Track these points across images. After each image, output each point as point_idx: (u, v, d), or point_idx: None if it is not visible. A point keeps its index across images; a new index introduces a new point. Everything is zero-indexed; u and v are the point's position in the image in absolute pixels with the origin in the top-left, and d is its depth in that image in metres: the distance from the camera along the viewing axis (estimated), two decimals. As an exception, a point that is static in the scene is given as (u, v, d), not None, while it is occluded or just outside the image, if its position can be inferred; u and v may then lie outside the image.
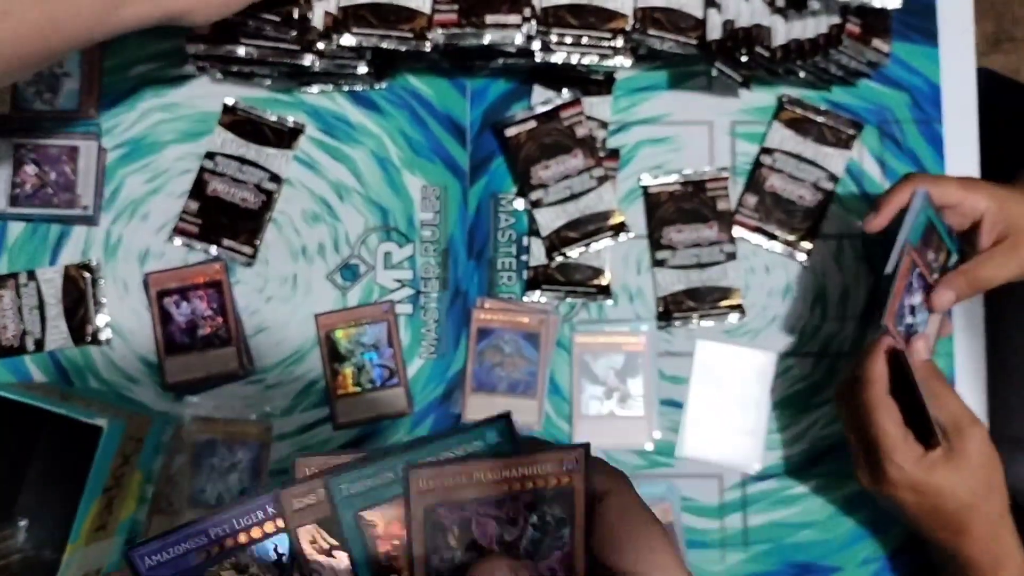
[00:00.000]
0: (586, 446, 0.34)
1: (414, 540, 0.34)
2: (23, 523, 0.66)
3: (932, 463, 0.59)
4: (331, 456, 0.34)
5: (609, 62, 0.67)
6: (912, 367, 0.59)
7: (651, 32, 0.66)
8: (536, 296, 0.71)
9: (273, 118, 0.72)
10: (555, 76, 0.72)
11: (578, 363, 0.71)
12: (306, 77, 0.71)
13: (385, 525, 0.34)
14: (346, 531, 0.34)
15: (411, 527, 0.34)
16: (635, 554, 0.33)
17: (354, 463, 0.34)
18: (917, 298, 0.63)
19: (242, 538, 0.33)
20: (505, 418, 0.34)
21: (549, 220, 0.71)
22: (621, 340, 0.71)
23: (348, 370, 0.70)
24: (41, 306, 0.70)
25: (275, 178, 0.71)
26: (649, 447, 0.70)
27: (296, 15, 0.63)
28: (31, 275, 0.70)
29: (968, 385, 0.71)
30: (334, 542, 0.34)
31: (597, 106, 0.72)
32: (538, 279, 0.71)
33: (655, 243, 0.71)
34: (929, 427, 0.58)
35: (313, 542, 0.34)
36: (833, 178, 0.72)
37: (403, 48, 0.65)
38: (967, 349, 0.72)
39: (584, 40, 0.66)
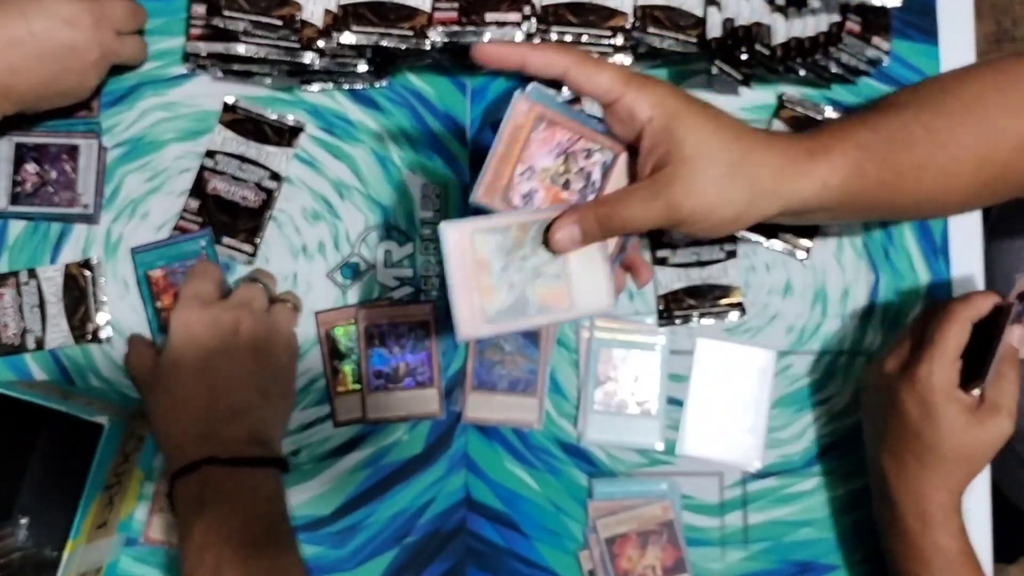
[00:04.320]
0: None
1: None
2: (23, 521, 0.66)
3: (953, 397, 0.58)
4: None
5: (609, 60, 0.67)
6: (1002, 344, 0.58)
7: (651, 30, 0.66)
8: (536, 294, 0.71)
9: (273, 116, 0.72)
10: (555, 74, 0.72)
11: (589, 357, 0.70)
12: (306, 75, 0.71)
13: None
14: None
15: None
16: None
17: None
18: (536, 187, 0.49)
19: None
20: None
21: (549, 218, 0.71)
22: (638, 338, 0.71)
23: (348, 368, 0.70)
24: (42, 304, 0.70)
25: (275, 176, 0.71)
26: (659, 447, 0.70)
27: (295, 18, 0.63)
28: (32, 273, 0.70)
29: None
30: None
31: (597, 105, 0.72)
32: (538, 277, 0.71)
33: (655, 241, 0.71)
34: (976, 377, 0.59)
35: None
36: (833, 176, 0.72)
37: (403, 46, 0.65)
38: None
39: (584, 38, 0.66)
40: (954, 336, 0.58)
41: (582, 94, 0.49)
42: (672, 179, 0.47)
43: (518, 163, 0.48)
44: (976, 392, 0.59)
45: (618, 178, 0.50)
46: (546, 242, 0.48)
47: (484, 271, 0.47)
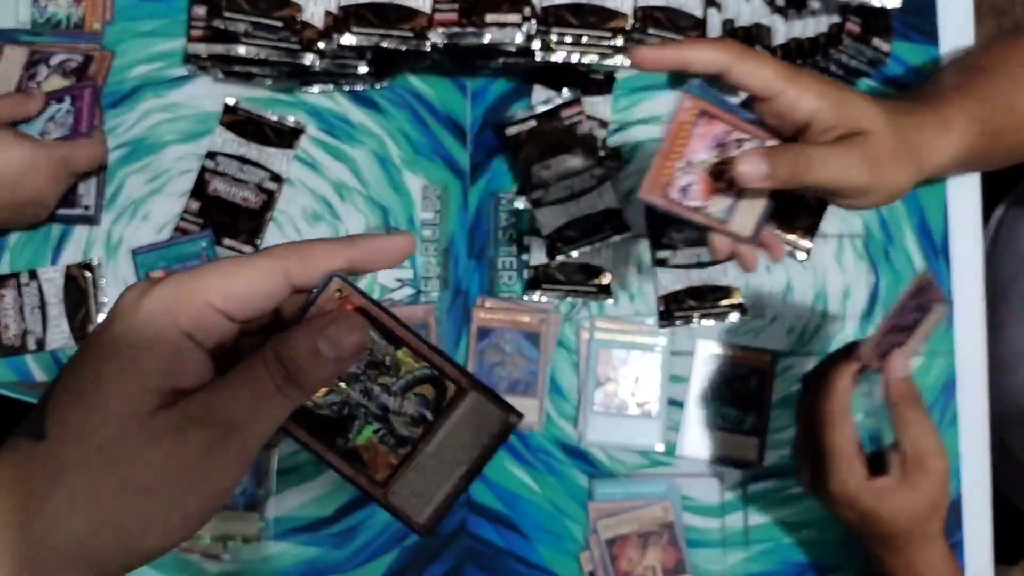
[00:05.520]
0: None
1: None
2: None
3: (877, 491, 0.56)
4: None
5: (609, 61, 0.67)
6: (888, 385, 0.56)
7: (651, 31, 0.66)
8: (536, 295, 0.71)
9: (274, 118, 0.72)
10: (555, 75, 0.72)
11: (589, 358, 0.71)
12: (307, 77, 0.72)
13: None
14: None
15: None
16: None
17: None
18: (694, 179, 0.49)
19: None
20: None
21: (550, 219, 0.71)
22: (638, 339, 0.71)
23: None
24: (43, 306, 0.70)
25: (276, 177, 0.71)
26: (659, 448, 0.70)
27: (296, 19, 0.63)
28: (33, 275, 0.70)
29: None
30: None
31: (597, 105, 0.72)
32: (539, 278, 0.71)
33: (656, 242, 0.71)
34: (880, 468, 0.57)
35: None
36: (833, 177, 0.72)
37: (403, 48, 0.65)
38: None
39: (584, 39, 0.66)
40: (840, 436, 0.56)
41: (740, 88, 0.49)
42: (867, 146, 0.49)
43: (679, 158, 0.49)
44: (887, 476, 0.56)
45: None
46: (730, 172, 0.48)
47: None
